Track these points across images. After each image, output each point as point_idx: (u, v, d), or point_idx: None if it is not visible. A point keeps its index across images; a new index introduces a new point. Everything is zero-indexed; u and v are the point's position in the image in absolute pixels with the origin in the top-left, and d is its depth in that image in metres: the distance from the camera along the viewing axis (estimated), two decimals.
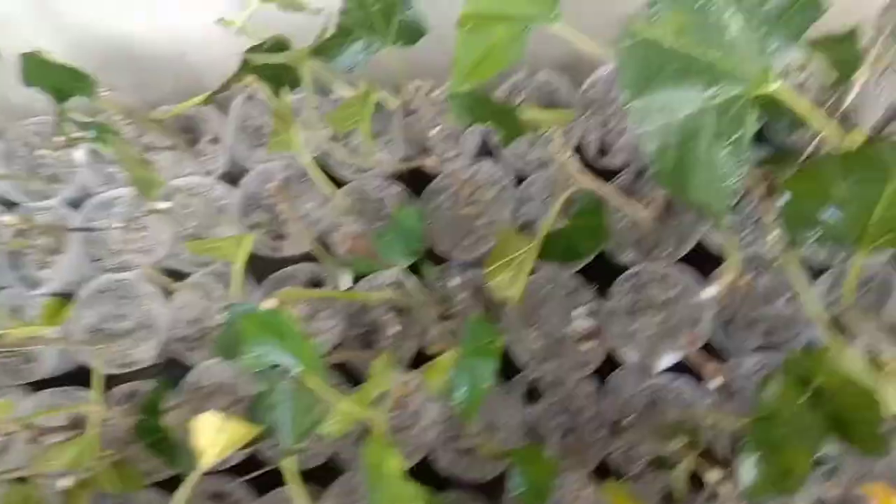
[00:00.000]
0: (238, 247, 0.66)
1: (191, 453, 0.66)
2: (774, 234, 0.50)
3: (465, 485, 0.70)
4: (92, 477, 0.65)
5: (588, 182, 0.59)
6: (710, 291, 0.47)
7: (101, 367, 0.67)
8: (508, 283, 0.58)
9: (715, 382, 0.52)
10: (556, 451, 0.68)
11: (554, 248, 0.62)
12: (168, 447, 0.64)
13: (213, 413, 0.56)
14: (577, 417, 0.69)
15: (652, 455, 0.65)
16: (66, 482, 0.60)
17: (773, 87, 0.37)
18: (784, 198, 0.47)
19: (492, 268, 0.58)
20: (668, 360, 0.66)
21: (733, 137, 0.38)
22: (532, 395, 0.71)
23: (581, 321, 0.64)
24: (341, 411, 0.52)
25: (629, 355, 0.69)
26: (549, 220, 0.60)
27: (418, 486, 0.41)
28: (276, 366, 0.50)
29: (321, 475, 0.73)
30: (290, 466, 0.57)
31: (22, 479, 0.70)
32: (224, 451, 0.56)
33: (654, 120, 0.38)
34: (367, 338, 0.74)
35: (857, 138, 0.41)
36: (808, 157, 0.64)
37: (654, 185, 0.72)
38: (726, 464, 0.66)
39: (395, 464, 0.42)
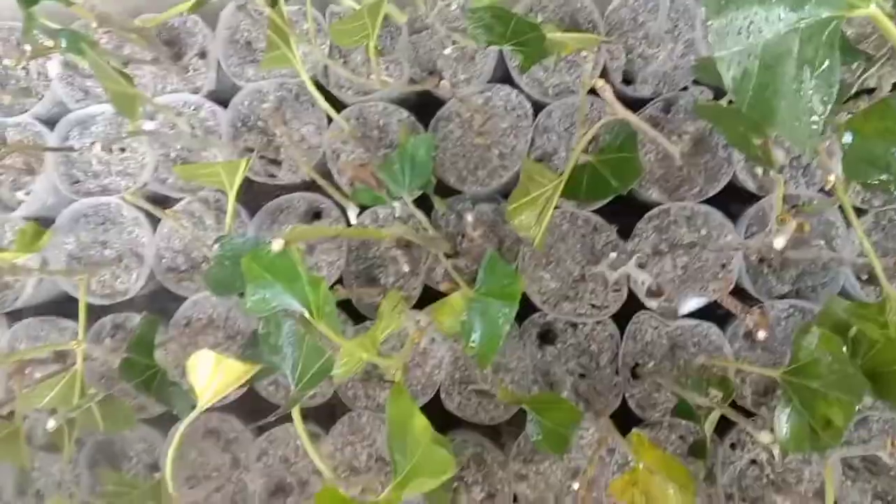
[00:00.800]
0: (233, 173, 0.61)
1: (185, 392, 0.62)
2: (832, 176, 0.45)
3: (474, 426, 0.68)
4: (79, 416, 0.61)
5: (623, 112, 0.54)
6: (779, 242, 0.43)
7: (84, 297, 0.62)
8: (532, 222, 0.53)
9: (761, 334, 0.48)
10: (571, 397, 0.65)
11: (581, 184, 0.57)
12: (160, 386, 0.60)
13: (208, 351, 0.52)
14: (593, 362, 0.66)
15: (674, 402, 0.62)
16: (53, 423, 0.56)
17: (870, 9, 0.32)
18: (847, 137, 0.43)
19: (515, 205, 0.54)
20: (693, 304, 0.63)
21: (822, 66, 0.33)
22: (545, 337, 0.68)
23: (612, 267, 0.59)
24: (351, 354, 0.48)
25: (650, 299, 0.65)
26: (577, 152, 0.55)
27: (448, 450, 0.37)
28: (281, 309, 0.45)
29: (324, 415, 0.70)
30: (295, 414, 0.53)
31: (5, 416, 0.67)
32: (221, 390, 0.52)
33: (735, 42, 0.33)
34: (370, 273, 0.70)
35: None
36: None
37: (684, 118, 0.67)
38: (751, 414, 0.63)
39: (421, 424, 0.38)
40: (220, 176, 0.60)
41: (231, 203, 0.62)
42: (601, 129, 0.57)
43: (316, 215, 0.72)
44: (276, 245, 0.38)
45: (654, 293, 0.56)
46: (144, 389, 0.60)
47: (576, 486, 0.52)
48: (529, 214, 0.54)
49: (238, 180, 0.61)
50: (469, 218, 0.61)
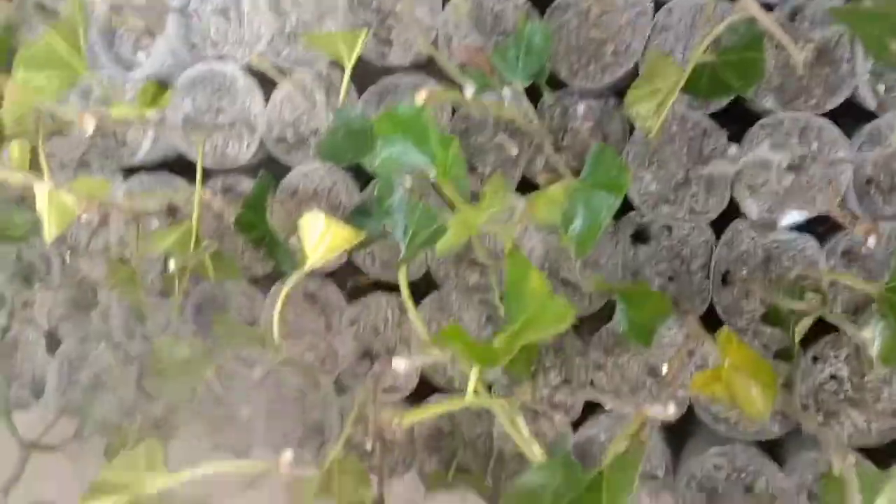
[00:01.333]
0: (351, 45, 0.62)
1: (293, 253, 0.66)
2: None
3: None
4: (190, 265, 0.66)
5: (757, 10, 0.53)
6: None
7: (202, 155, 0.65)
8: (651, 112, 0.54)
9: (871, 241, 0.48)
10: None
11: (701, 82, 0.57)
12: (270, 244, 0.64)
13: (319, 213, 0.54)
14: (684, 265, 0.67)
15: (761, 311, 0.63)
16: (172, 265, 0.60)
17: None
18: None
19: (635, 94, 0.54)
20: (794, 216, 0.62)
21: None
22: (639, 237, 0.69)
23: (720, 166, 0.59)
24: (463, 223, 0.50)
25: (751, 208, 0.65)
26: (701, 48, 0.55)
27: (566, 301, 0.40)
28: (406, 169, 0.47)
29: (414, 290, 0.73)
30: (401, 276, 0.56)
31: (122, 260, 0.72)
32: (328, 252, 0.56)
33: None
34: (468, 162, 0.71)
35: None
36: None
37: (810, 27, 0.65)
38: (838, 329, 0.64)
39: (538, 278, 0.40)
40: (338, 45, 0.62)
41: (346, 74, 0.64)
42: (725, 29, 0.56)
43: None
44: (420, 97, 0.39)
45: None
46: (255, 245, 0.64)
47: (665, 369, 0.55)
48: (648, 105, 0.54)
49: (356, 52, 0.63)
50: (581, 109, 0.61)
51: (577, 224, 0.53)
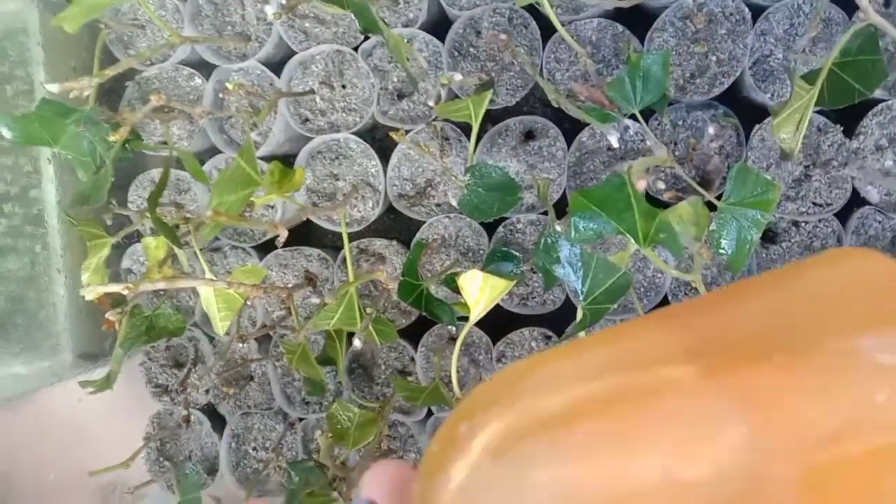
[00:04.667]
0: (479, 105, 0.65)
1: (449, 306, 0.70)
2: None
3: None
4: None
5: (876, 18, 0.55)
6: None
7: (345, 227, 0.69)
8: (792, 133, 0.56)
9: None
10: None
11: (822, 91, 0.59)
12: (427, 301, 0.68)
13: (477, 271, 0.58)
14: None
15: None
16: (358, 343, 0.63)
17: None
18: None
19: (780, 118, 0.56)
20: None
21: None
22: (766, 237, 0.72)
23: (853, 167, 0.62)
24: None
25: (872, 194, 0.68)
26: (830, 59, 0.57)
27: None
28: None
29: (551, 319, 0.77)
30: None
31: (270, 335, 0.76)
32: (489, 304, 0.60)
33: None
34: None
35: None
36: None
37: None
38: None
39: None
40: (469, 109, 0.65)
41: (474, 134, 0.67)
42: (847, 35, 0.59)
43: (528, 135, 0.76)
44: (641, 185, 0.42)
45: None
46: (417, 306, 0.68)
47: None
48: (789, 127, 0.56)
49: (482, 111, 0.66)
50: (711, 130, 0.64)
51: (727, 243, 0.56)
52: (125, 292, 0.56)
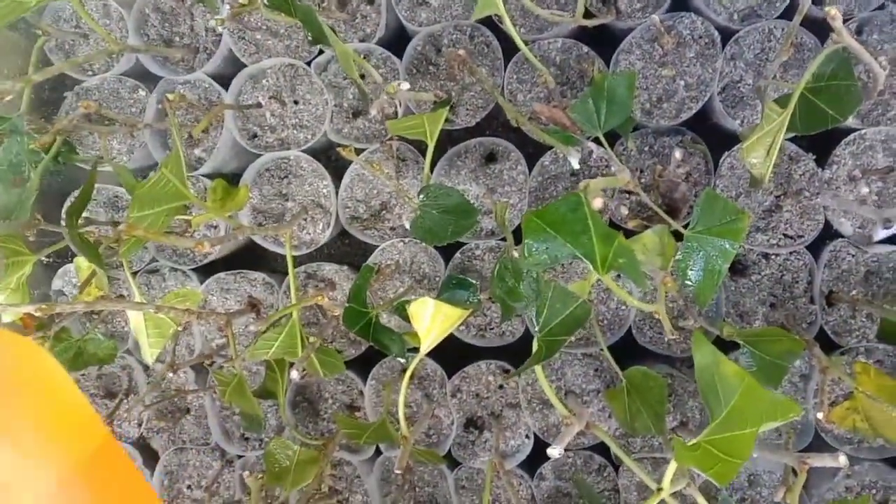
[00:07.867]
0: (434, 123, 0.61)
1: (399, 337, 0.65)
2: None
3: (665, 357, 0.69)
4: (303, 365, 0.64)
5: (849, 40, 0.52)
6: None
7: (290, 251, 0.64)
8: (762, 158, 0.53)
9: None
10: (763, 326, 0.66)
11: (794, 116, 0.56)
12: (375, 331, 0.63)
13: (428, 299, 0.54)
14: (786, 291, 0.66)
15: (869, 328, 0.62)
16: (296, 374, 0.58)
17: None
18: None
19: (749, 143, 0.53)
20: (889, 230, 0.62)
21: None
22: (736, 269, 0.68)
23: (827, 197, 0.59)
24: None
25: (845, 226, 0.65)
26: (803, 83, 0.54)
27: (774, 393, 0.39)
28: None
29: (509, 353, 0.72)
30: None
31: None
32: (441, 334, 0.55)
33: None
34: None
35: None
36: None
37: (879, 39, 0.65)
38: None
39: (732, 369, 0.39)
40: (424, 126, 0.61)
41: (430, 151, 0.63)
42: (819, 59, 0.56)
43: (489, 157, 0.72)
44: (598, 204, 0.38)
45: None
46: (363, 335, 0.63)
47: (820, 415, 0.54)
48: (759, 152, 0.53)
49: (438, 129, 0.62)
50: (677, 155, 0.60)
51: (694, 273, 0.52)
52: (38, 314, 0.51)
